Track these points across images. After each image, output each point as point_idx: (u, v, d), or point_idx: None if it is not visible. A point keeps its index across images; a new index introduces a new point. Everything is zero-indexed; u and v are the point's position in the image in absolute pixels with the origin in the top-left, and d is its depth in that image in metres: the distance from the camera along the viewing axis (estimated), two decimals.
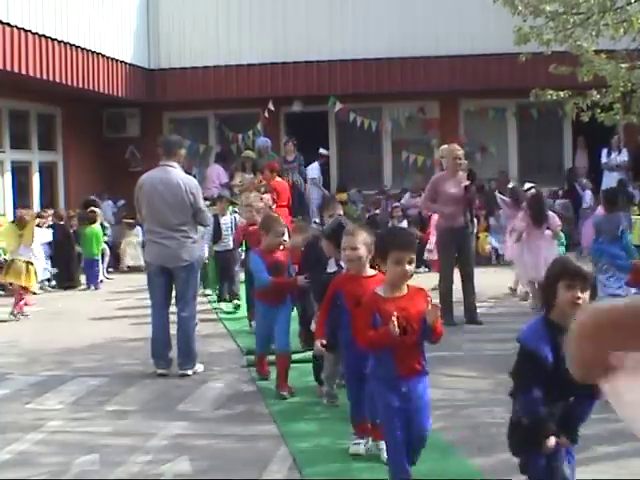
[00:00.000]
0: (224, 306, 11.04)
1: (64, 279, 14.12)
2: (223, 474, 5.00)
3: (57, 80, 14.36)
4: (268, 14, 17.26)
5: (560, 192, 16.45)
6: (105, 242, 15.02)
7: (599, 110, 10.72)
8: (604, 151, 16.35)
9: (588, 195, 16.03)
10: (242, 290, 10.44)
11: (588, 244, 10.68)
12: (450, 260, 10.00)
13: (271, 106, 17.24)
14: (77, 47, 14.88)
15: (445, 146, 11.05)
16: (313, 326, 5.93)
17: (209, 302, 11.56)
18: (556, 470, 3.62)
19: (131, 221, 15.84)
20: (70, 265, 14.23)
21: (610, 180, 15.51)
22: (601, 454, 5.10)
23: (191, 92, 17.45)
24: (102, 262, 14.86)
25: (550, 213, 10.81)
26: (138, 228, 15.45)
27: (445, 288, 9.81)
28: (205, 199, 9.04)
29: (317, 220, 13.08)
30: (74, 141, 17.04)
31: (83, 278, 14.33)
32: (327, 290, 5.42)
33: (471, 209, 10.01)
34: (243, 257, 10.73)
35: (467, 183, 9.78)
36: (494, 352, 7.82)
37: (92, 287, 13.98)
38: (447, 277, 9.93)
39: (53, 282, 14.11)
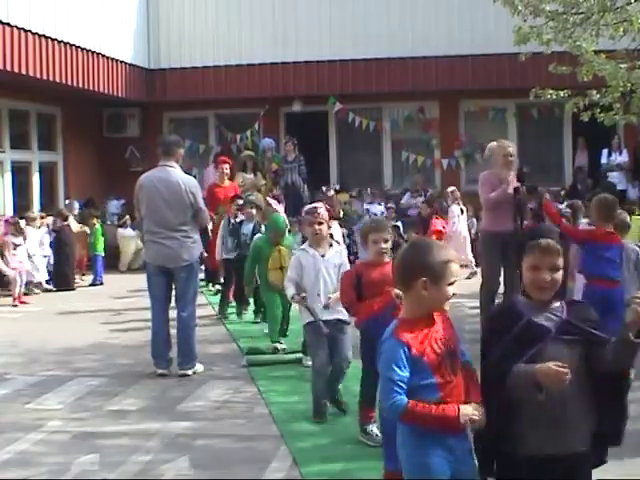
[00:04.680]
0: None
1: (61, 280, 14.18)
2: (223, 474, 5.01)
3: (57, 80, 14.35)
4: (268, 14, 17.24)
5: (562, 192, 16.41)
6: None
7: (599, 110, 10.72)
8: (604, 151, 16.36)
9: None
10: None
11: None
12: (493, 264, 8.68)
13: (267, 106, 17.24)
14: (77, 47, 14.86)
15: (493, 143, 9.29)
16: None
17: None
18: None
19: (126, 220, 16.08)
20: (67, 266, 14.26)
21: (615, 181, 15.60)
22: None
23: (191, 92, 17.44)
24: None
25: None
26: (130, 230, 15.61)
27: (487, 293, 8.67)
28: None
29: None
30: (74, 141, 17.02)
31: (79, 278, 14.68)
32: None
33: (521, 213, 8.82)
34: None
35: (517, 185, 8.72)
36: None
37: (98, 282, 14.47)
38: (491, 281, 8.66)
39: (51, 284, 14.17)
